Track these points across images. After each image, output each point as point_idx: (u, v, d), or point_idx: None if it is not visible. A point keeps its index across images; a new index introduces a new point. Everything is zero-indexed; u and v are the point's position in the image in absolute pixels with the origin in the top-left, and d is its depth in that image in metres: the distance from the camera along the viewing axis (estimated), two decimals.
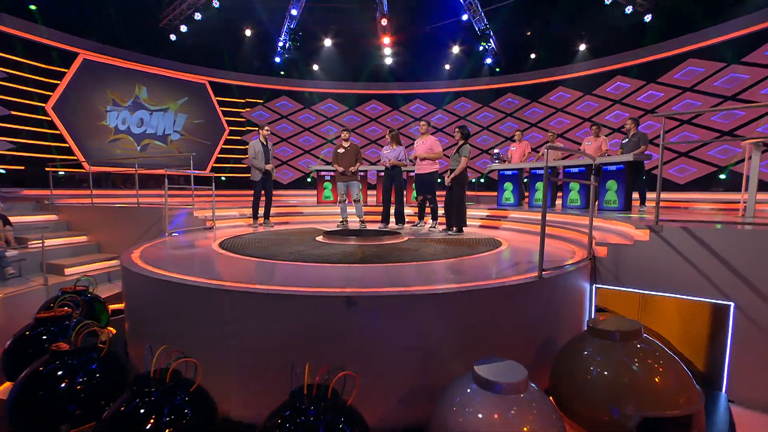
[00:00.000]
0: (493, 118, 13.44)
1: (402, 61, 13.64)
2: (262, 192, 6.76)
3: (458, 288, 2.79)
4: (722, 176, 9.52)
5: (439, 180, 6.43)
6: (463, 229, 6.02)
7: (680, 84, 9.80)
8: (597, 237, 4.28)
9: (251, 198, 6.88)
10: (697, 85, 9.71)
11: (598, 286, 3.69)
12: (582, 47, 11.38)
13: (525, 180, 8.75)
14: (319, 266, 3.66)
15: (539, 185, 7.80)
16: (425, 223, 6.81)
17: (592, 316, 3.65)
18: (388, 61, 13.48)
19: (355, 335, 2.60)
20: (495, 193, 10.52)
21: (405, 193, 7.27)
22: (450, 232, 5.93)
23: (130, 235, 6.36)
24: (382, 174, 8.89)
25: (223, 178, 13.35)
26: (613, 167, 6.55)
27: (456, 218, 5.99)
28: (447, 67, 13.69)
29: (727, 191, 8.96)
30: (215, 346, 2.74)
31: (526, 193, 8.22)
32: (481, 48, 12.82)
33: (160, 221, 6.11)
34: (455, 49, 13.09)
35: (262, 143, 6.55)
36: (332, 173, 9.60)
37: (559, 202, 8.13)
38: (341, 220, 6.91)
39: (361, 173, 7.52)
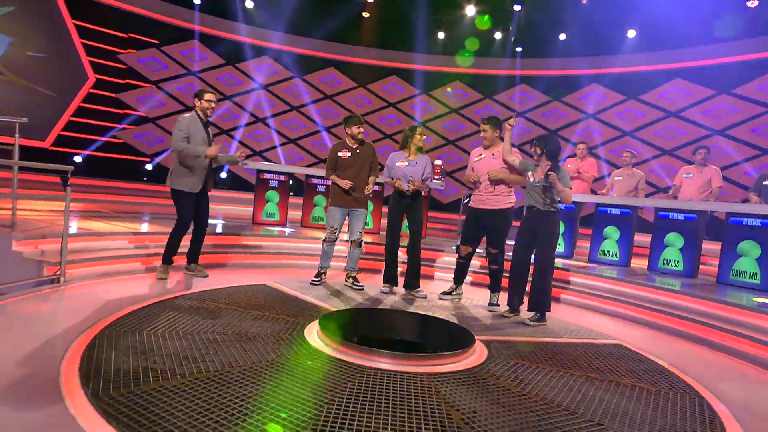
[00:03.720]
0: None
1: (383, 19, 11.65)
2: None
3: None
4: None
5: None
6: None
7: (764, 99, 9.16)
8: None
9: (139, 203, 5.31)
10: None
11: None
12: (631, 33, 10.41)
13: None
14: None
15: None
16: (457, 291, 4.90)
17: None
18: (366, 15, 11.38)
19: None
20: None
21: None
22: (531, 321, 4.16)
23: None
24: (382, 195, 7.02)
25: (78, 159, 10.07)
26: (759, 222, 5.25)
27: (547, 292, 4.19)
28: (441, 36, 12.02)
29: None
30: None
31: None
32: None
33: None
34: (469, 10, 11.35)
35: (201, 119, 4.40)
36: (285, 178, 7.24)
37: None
38: (319, 269, 4.96)
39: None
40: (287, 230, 6.87)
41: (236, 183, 11.24)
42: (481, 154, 4.64)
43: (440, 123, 12.38)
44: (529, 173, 4.28)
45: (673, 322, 4.46)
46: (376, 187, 7.15)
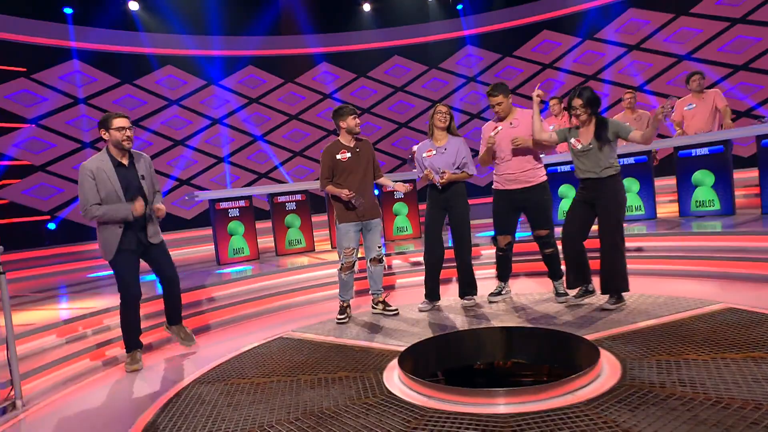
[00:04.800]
0: (447, 86, 11.95)
1: (303, 1, 11.05)
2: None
3: None
4: None
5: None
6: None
7: (724, 13, 9.54)
8: None
9: (55, 273, 5.50)
10: None
11: None
12: None
13: None
14: None
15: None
16: (505, 289, 4.65)
17: None
18: None
19: None
20: None
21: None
22: (610, 305, 3.92)
23: None
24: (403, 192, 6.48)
25: None
26: None
27: (624, 270, 3.93)
28: (366, 8, 11.62)
29: None
30: None
31: None
32: None
33: None
34: None
35: (114, 160, 3.59)
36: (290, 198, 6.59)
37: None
38: (342, 303, 4.49)
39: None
40: (264, 265, 6.25)
41: (166, 222, 10.18)
42: (497, 127, 4.33)
43: (386, 106, 12.01)
44: (572, 140, 4.00)
45: (747, 267, 4.42)
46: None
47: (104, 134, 3.54)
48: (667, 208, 6.77)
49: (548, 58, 11.32)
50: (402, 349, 3.31)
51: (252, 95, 11.45)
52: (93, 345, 3.86)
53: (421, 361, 3.19)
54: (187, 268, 6.52)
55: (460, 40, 11.78)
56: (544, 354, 3.18)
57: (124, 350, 3.71)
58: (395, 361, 3.09)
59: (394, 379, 2.93)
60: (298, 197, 6.90)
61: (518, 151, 4.19)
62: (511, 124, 4.23)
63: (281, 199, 6.78)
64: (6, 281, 2.99)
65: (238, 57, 11.34)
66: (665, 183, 7.03)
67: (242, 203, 6.54)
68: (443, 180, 4.23)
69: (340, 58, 11.88)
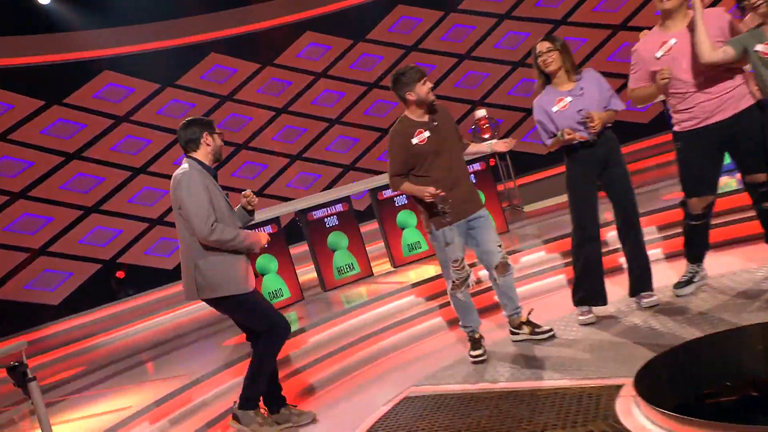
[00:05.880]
0: (474, 32, 11.83)
1: None
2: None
3: None
4: None
5: None
6: None
7: None
8: None
9: None
10: None
11: None
12: None
13: None
14: None
15: None
16: (700, 273, 4.21)
17: None
18: None
19: None
20: None
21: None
22: None
23: None
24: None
25: None
26: None
27: None
28: None
29: None
30: None
31: None
32: None
33: None
34: None
35: (213, 172, 3.85)
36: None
37: None
38: (471, 335, 4.25)
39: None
40: (312, 306, 6.08)
41: (146, 277, 9.82)
42: (666, 42, 3.84)
43: None
44: (760, 47, 3.53)
45: None
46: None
47: (207, 139, 3.67)
48: None
49: None
50: (610, 382, 2.97)
51: (222, 92, 11.22)
52: None
53: (662, 395, 2.75)
54: (210, 329, 6.20)
55: None
56: None
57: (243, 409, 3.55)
58: (626, 401, 2.66)
59: (646, 427, 2.48)
60: (339, 207, 6.52)
61: (715, 66, 3.58)
62: (690, 31, 3.70)
63: (317, 214, 6.41)
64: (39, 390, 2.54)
65: (194, 45, 11.14)
66: None
67: (268, 229, 6.17)
68: (595, 126, 3.79)
69: (327, 22, 11.70)
